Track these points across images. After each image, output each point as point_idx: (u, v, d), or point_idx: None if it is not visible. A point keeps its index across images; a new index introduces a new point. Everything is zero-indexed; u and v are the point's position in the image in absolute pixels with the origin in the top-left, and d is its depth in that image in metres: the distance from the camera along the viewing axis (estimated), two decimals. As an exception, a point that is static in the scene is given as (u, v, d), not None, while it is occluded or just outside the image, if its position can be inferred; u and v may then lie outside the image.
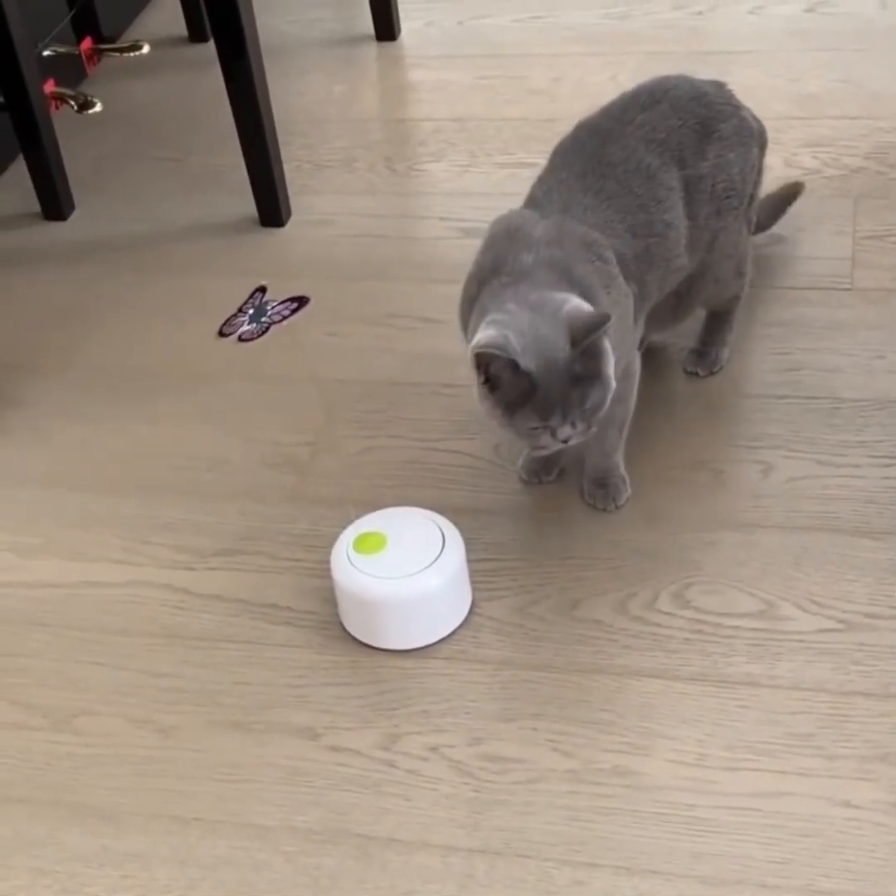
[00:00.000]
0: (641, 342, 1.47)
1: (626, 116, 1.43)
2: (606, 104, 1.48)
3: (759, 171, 1.56)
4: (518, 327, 1.22)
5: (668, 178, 1.40)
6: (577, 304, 1.24)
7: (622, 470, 1.45)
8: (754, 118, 1.54)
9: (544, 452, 1.30)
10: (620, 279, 1.34)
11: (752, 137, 1.51)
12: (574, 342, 1.21)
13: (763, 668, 1.28)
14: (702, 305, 1.56)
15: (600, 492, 1.44)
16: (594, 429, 1.27)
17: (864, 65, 2.12)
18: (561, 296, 1.25)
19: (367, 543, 1.34)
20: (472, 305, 1.31)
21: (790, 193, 1.77)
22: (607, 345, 1.24)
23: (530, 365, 1.20)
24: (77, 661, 1.38)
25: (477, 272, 1.33)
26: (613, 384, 1.26)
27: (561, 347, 1.21)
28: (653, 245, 1.39)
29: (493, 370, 1.22)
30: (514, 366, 1.21)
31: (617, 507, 1.44)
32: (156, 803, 1.24)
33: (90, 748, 1.29)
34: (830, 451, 1.49)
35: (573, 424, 1.24)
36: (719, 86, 1.53)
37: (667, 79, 1.50)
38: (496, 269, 1.30)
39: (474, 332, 1.26)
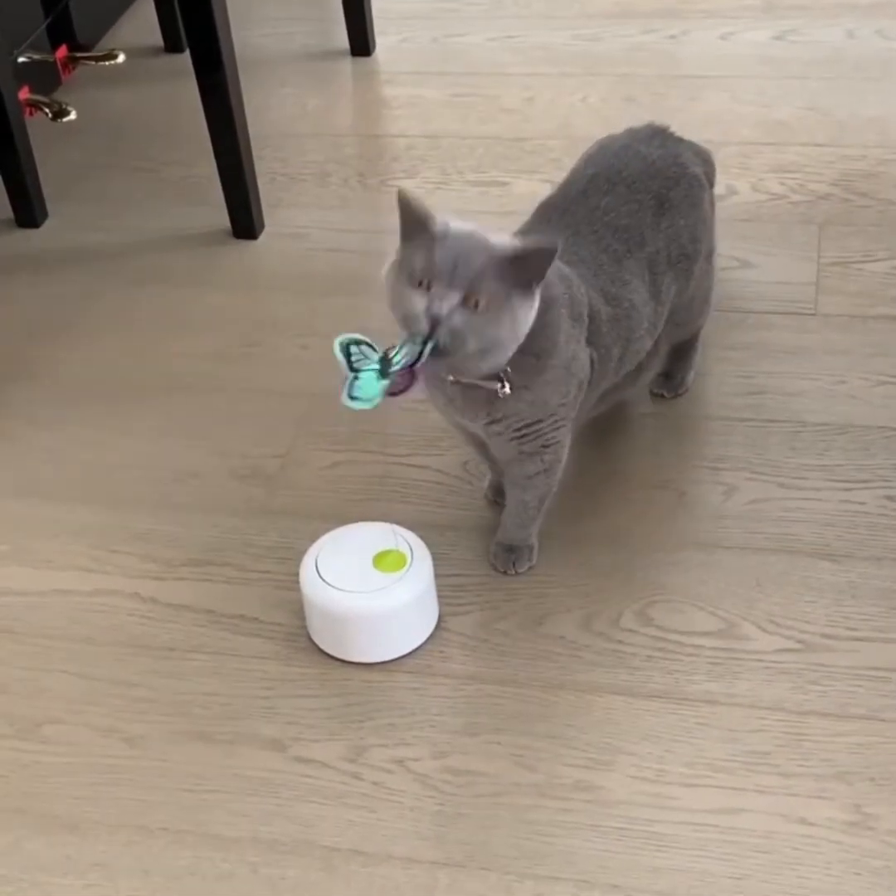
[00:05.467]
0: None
1: (591, 202, 1.41)
2: (562, 186, 1.46)
3: (712, 212, 1.53)
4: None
5: (631, 264, 1.40)
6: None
7: (533, 539, 1.44)
8: (698, 154, 1.52)
9: (413, 329, 1.19)
10: (584, 330, 1.33)
11: (702, 189, 1.49)
12: (514, 243, 1.21)
13: (722, 686, 1.31)
14: (666, 343, 1.54)
15: (505, 555, 1.43)
16: (468, 348, 1.19)
17: (831, 93, 2.16)
18: None
19: (387, 561, 1.35)
20: None
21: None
22: (536, 299, 1.21)
23: (443, 227, 1.20)
24: (44, 669, 1.38)
25: None
26: (514, 332, 1.20)
27: (497, 236, 1.21)
28: (620, 317, 1.38)
29: (406, 212, 1.22)
30: (421, 221, 1.20)
31: (517, 573, 1.43)
32: (121, 813, 1.25)
33: (56, 757, 1.30)
34: (791, 474, 1.52)
35: (451, 310, 1.17)
36: (662, 140, 1.49)
37: (613, 153, 1.46)
38: None
39: None
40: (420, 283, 1.19)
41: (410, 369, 1.21)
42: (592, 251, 1.39)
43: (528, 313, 1.22)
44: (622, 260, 1.40)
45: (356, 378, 1.23)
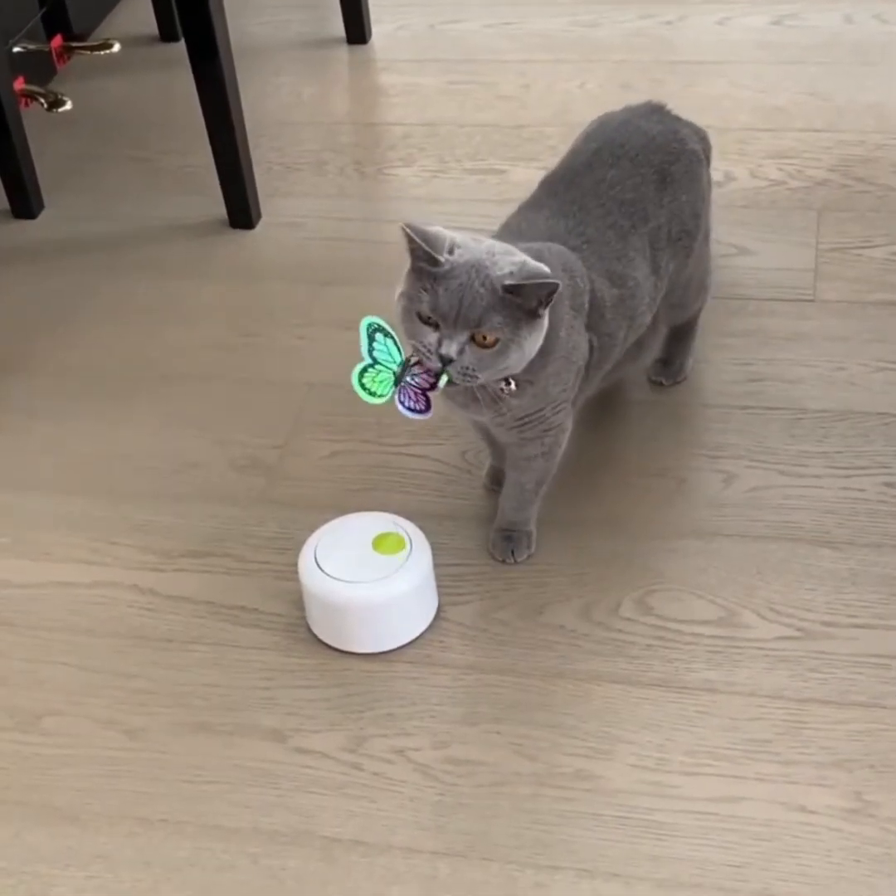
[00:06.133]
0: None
1: (597, 175, 1.41)
2: (566, 160, 1.47)
3: (709, 189, 1.53)
4: (473, 236, 1.22)
5: (635, 239, 1.40)
6: (540, 264, 1.23)
7: (531, 525, 1.44)
8: (695, 132, 1.52)
9: (427, 363, 1.23)
10: (583, 318, 1.33)
11: (701, 165, 1.49)
12: (514, 274, 1.20)
13: (722, 674, 1.31)
14: (665, 324, 1.55)
15: (503, 544, 1.43)
16: (480, 380, 1.22)
17: (829, 78, 2.15)
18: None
19: (387, 544, 1.36)
20: None
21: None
22: (545, 319, 1.22)
23: (449, 257, 1.19)
24: (44, 661, 1.38)
25: None
26: (523, 357, 1.22)
27: (500, 266, 1.20)
28: (626, 297, 1.38)
29: (411, 247, 1.21)
30: (424, 258, 1.19)
31: (516, 562, 1.43)
32: (122, 804, 1.25)
33: (56, 749, 1.30)
34: (791, 461, 1.52)
35: (461, 349, 1.20)
36: (660, 117, 1.49)
37: (614, 127, 1.46)
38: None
39: None
40: (428, 321, 1.21)
41: (425, 394, 1.25)
42: (599, 228, 1.38)
43: (537, 336, 1.23)
44: (627, 236, 1.40)
45: (374, 367, 1.25)
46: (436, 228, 1.22)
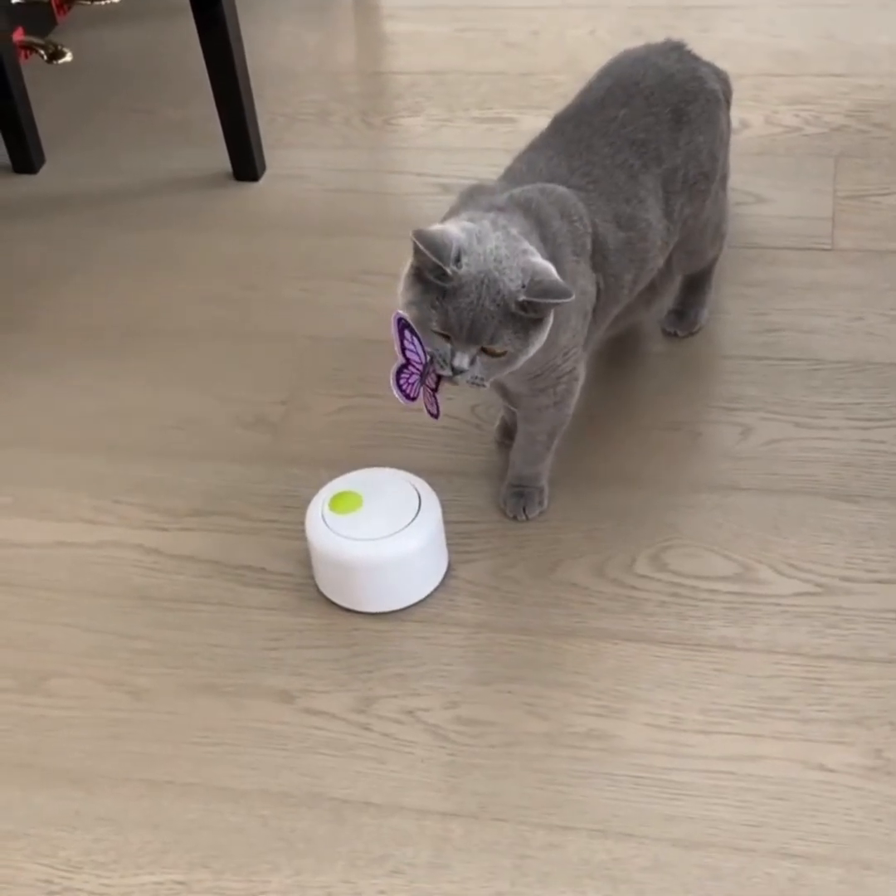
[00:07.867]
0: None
1: (608, 113, 1.38)
2: (578, 98, 1.44)
3: (728, 131, 1.51)
4: (476, 233, 1.19)
5: (647, 180, 1.37)
6: (548, 265, 1.20)
7: (543, 481, 1.41)
8: (716, 74, 1.48)
9: (438, 369, 1.22)
10: (587, 259, 1.31)
11: (719, 106, 1.46)
12: (526, 287, 1.17)
13: (739, 631, 1.28)
14: (679, 272, 1.53)
15: (514, 500, 1.41)
16: (486, 385, 1.23)
17: (846, 21, 2.10)
18: (532, 248, 1.21)
19: (343, 502, 1.33)
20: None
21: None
22: (550, 320, 1.21)
23: (457, 271, 1.16)
24: (47, 622, 1.36)
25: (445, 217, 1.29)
26: (528, 357, 1.22)
27: (509, 276, 1.17)
28: (634, 240, 1.35)
29: (418, 260, 1.18)
30: (433, 269, 1.16)
31: (527, 519, 1.40)
32: (128, 766, 1.23)
33: (61, 710, 1.28)
34: (809, 413, 1.49)
35: (472, 360, 1.19)
36: (679, 55, 1.46)
37: (630, 63, 1.44)
38: (465, 207, 1.27)
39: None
40: (439, 333, 1.20)
41: (434, 396, 1.25)
42: (607, 167, 1.35)
43: (543, 335, 1.21)
44: (638, 176, 1.36)
45: (407, 368, 1.23)
46: (442, 231, 1.19)
